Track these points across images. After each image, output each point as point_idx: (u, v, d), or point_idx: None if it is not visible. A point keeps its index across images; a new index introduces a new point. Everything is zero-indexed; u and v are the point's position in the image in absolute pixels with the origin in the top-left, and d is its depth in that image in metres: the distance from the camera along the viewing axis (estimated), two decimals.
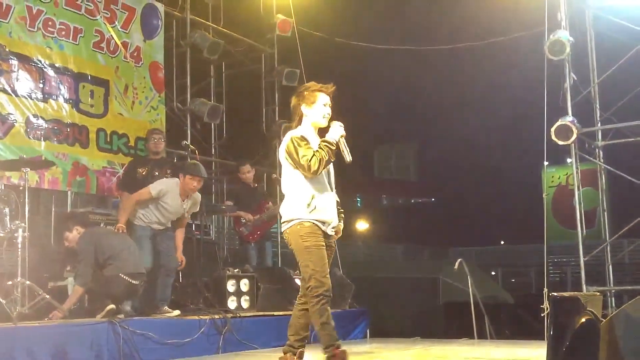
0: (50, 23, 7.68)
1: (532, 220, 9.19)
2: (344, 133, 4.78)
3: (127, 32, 8.58)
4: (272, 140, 10.84)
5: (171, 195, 6.80)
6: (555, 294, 3.85)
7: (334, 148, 4.69)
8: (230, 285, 7.33)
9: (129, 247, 6.30)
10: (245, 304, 7.42)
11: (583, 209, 9.20)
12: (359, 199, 29.21)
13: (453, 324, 8.76)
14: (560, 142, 8.57)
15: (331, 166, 4.86)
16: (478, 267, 10.98)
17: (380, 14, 14.67)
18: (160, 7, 9.11)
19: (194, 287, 6.98)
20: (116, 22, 8.40)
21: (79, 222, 6.46)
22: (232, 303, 7.32)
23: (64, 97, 7.75)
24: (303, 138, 4.73)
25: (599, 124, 9.14)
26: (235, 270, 7.63)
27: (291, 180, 4.78)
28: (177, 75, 9.74)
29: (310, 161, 4.60)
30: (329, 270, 4.71)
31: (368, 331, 8.57)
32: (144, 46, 8.79)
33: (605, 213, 9.42)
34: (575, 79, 8.87)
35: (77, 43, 7.96)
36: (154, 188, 6.80)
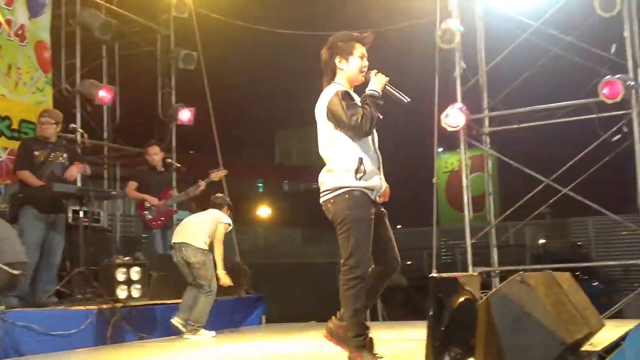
0: None
1: (427, 204, 9.44)
2: (387, 78, 4.25)
3: (10, 8, 8.15)
4: (168, 124, 10.65)
5: None
6: (434, 275, 3.97)
7: (381, 102, 4.21)
8: (120, 274, 7.12)
9: (9, 236, 6.01)
10: (136, 293, 7.21)
11: (473, 193, 9.55)
12: (260, 184, 29.13)
13: None
14: (450, 129, 8.85)
15: None
16: None
17: None
18: None
19: (81, 276, 6.73)
20: None
21: None
22: (122, 292, 7.10)
23: None
24: (347, 94, 4.20)
25: (487, 111, 9.48)
26: (126, 259, 7.41)
27: (333, 143, 4.20)
28: (66, 55, 9.36)
29: (361, 121, 4.07)
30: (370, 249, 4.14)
31: (264, 317, 8.57)
32: (30, 24, 8.38)
33: (492, 197, 9.81)
34: (465, 67, 9.15)
35: None
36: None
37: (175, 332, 6.83)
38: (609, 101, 8.10)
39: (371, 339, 4.22)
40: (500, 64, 9.34)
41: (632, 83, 8.14)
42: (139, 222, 8.99)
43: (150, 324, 6.92)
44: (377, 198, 4.29)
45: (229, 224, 7.13)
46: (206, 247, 6.88)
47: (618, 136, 8.36)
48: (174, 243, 7.00)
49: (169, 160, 9.26)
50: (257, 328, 8.07)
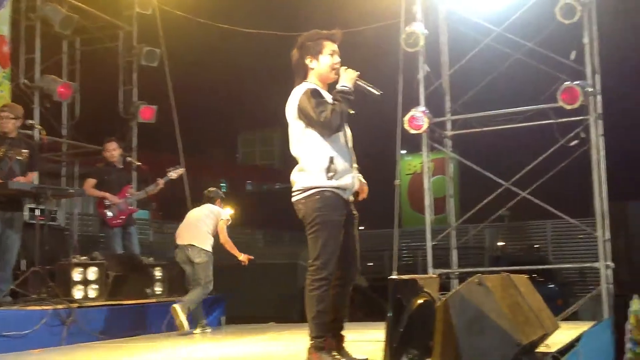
0: None
1: (390, 206, 9.50)
2: (357, 73, 4.22)
3: None
4: (129, 122, 10.52)
5: None
6: (394, 277, 3.98)
7: (352, 97, 4.16)
8: (77, 274, 7.01)
9: None
10: (92, 293, 7.11)
11: (435, 196, 9.63)
12: (223, 185, 28.96)
13: None
14: (412, 131, 8.91)
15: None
16: None
17: None
18: None
19: (36, 275, 6.60)
20: None
21: None
22: (78, 292, 6.99)
23: None
24: (317, 91, 4.17)
25: (449, 115, 9.57)
26: (83, 258, 7.30)
27: (304, 142, 4.17)
28: (26, 50, 9.19)
29: (330, 117, 4.05)
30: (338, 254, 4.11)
31: (224, 318, 8.52)
32: None
33: (452, 199, 9.89)
34: (429, 70, 9.22)
35: None
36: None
37: (134, 333, 6.88)
38: (568, 107, 8.22)
39: (332, 342, 4.21)
40: (463, 68, 9.42)
41: (591, 89, 8.28)
42: (97, 221, 8.85)
43: (107, 324, 6.83)
44: (351, 197, 4.27)
45: (228, 219, 7.66)
46: (210, 249, 7.44)
47: (576, 141, 8.49)
48: (180, 245, 7.45)
49: (129, 158, 9.16)
50: (217, 329, 8.01)
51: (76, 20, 9.33)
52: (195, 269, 7.33)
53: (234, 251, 7.63)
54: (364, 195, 4.40)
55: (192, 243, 7.34)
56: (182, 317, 6.91)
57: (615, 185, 8.77)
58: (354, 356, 4.30)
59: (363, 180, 4.40)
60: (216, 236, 7.60)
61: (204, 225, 7.46)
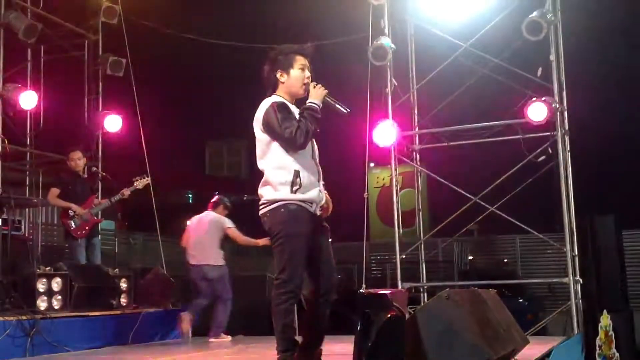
0: None
1: (359, 219, 9.49)
2: (326, 91, 4.24)
3: None
4: (94, 132, 10.36)
5: None
6: (362, 290, 3.96)
7: (318, 116, 4.16)
8: (41, 285, 6.87)
9: None
10: (57, 304, 6.99)
11: (404, 209, 9.66)
12: (190, 195, 28.71)
13: None
14: (381, 145, 8.93)
15: None
16: None
17: (215, 8, 14.48)
18: None
19: None
20: None
21: None
22: (42, 303, 6.87)
23: None
24: (284, 106, 4.15)
25: (417, 129, 9.61)
26: (47, 269, 7.16)
27: (269, 155, 4.17)
28: None
29: (295, 133, 4.03)
30: (302, 267, 4.12)
31: (190, 330, 8.40)
32: None
33: (421, 213, 9.92)
34: (396, 84, 9.26)
35: None
36: None
37: (99, 344, 6.87)
38: (535, 122, 8.32)
39: (320, 351, 4.28)
40: (431, 82, 9.48)
41: (557, 106, 8.38)
42: (62, 231, 8.68)
43: (72, 336, 6.71)
44: (318, 211, 4.25)
45: (233, 226, 8.16)
46: (223, 261, 8.02)
47: (543, 157, 8.59)
48: (193, 265, 7.97)
49: (94, 168, 9.03)
50: (183, 341, 7.90)
51: (40, 28, 9.17)
52: (214, 284, 7.87)
53: (253, 242, 8.02)
54: (327, 213, 4.38)
55: (208, 263, 7.91)
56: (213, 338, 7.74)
57: (582, 200, 8.87)
58: None
59: (328, 198, 4.38)
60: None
61: (214, 242, 8.02)
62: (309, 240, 4.16)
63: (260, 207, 4.23)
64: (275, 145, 4.15)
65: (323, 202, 4.30)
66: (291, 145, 4.11)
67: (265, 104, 4.21)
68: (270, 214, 4.15)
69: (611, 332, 8.00)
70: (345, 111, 4.27)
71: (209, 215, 8.21)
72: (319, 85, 4.26)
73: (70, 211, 8.07)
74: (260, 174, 4.28)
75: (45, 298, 6.93)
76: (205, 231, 8.03)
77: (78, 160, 8.30)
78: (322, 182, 4.32)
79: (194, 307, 7.99)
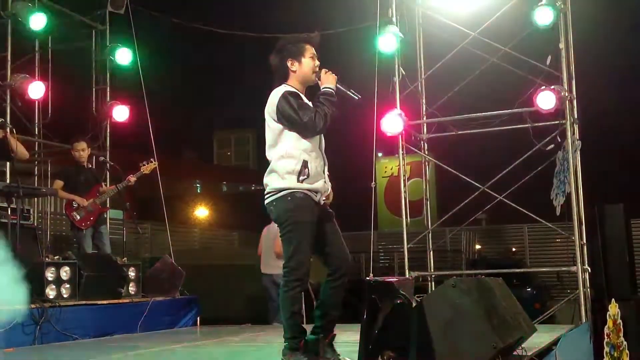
0: None
1: (366, 208, 9.49)
2: (336, 77, 4.27)
3: None
4: (102, 122, 10.38)
5: None
6: (369, 279, 3.96)
7: (335, 99, 4.19)
8: (50, 274, 6.91)
9: None
10: (65, 292, 7.02)
11: (412, 198, 9.64)
12: (198, 185, 28.79)
13: None
14: (389, 134, 8.90)
15: None
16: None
17: None
18: None
19: None
20: None
21: None
22: (51, 292, 6.90)
23: None
24: (295, 94, 4.18)
25: (424, 118, 9.58)
26: (56, 258, 7.20)
27: (279, 145, 4.18)
28: None
29: (314, 118, 4.07)
30: (309, 253, 4.15)
31: (199, 319, 8.45)
32: None
33: (429, 202, 9.90)
34: (404, 73, 9.22)
35: None
36: None
37: (108, 333, 6.87)
38: (544, 111, 8.27)
39: (334, 335, 4.29)
40: (439, 71, 9.43)
41: (567, 94, 8.32)
42: (69, 221, 8.73)
43: (81, 324, 6.73)
44: (322, 200, 4.27)
45: None
46: None
47: (552, 145, 8.54)
48: (265, 274, 8.84)
49: (102, 158, 9.05)
50: (191, 330, 7.95)
51: (48, 18, 9.18)
52: None
53: None
54: (327, 202, 4.40)
55: (276, 272, 8.18)
56: None
57: (591, 189, 8.83)
58: (341, 357, 4.29)
59: (330, 189, 4.41)
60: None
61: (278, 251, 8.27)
62: (316, 228, 4.18)
63: (266, 197, 4.24)
64: (288, 134, 4.16)
65: (328, 192, 4.34)
66: (310, 131, 4.13)
67: (277, 93, 4.21)
68: (276, 203, 4.17)
69: (619, 321, 7.99)
70: (356, 97, 4.29)
71: (274, 225, 8.19)
72: (330, 72, 4.28)
73: (73, 203, 8.11)
74: (268, 164, 4.29)
75: (54, 287, 6.94)
76: (272, 241, 8.65)
77: (82, 151, 8.33)
78: (327, 173, 4.35)
79: (272, 312, 8.55)
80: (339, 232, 4.34)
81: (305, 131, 4.14)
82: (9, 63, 8.99)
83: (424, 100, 9.60)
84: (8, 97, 8.82)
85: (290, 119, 4.13)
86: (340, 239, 4.33)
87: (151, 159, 8.52)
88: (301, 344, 4.15)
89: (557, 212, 8.46)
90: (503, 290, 4.67)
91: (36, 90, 8.95)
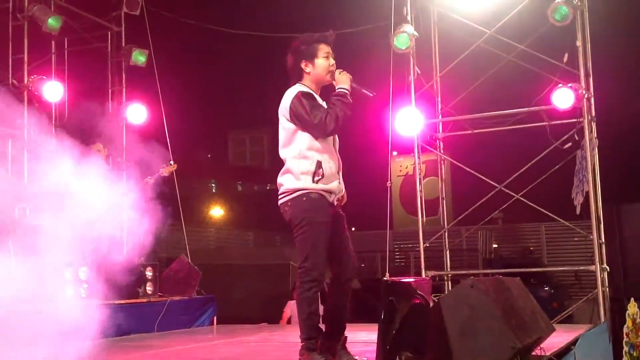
0: None
1: (382, 207, 9.48)
2: (350, 76, 4.25)
3: None
4: (118, 123, 10.43)
5: None
6: (387, 278, 3.94)
7: (348, 100, 4.16)
8: (69, 274, 6.93)
9: None
10: (83, 292, 7.04)
11: (427, 197, 9.61)
12: (213, 185, 28.89)
13: None
14: (404, 134, 8.87)
15: None
16: None
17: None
18: None
19: None
20: None
21: None
22: (69, 292, 6.92)
23: None
24: (309, 95, 4.17)
25: (440, 117, 9.54)
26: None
27: (293, 144, 4.16)
28: (13, 50, 9.09)
29: (325, 119, 4.06)
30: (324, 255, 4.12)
31: (215, 318, 8.48)
32: None
33: (445, 201, 9.85)
34: (420, 72, 9.18)
35: None
36: None
37: (125, 332, 6.88)
38: (561, 109, 8.21)
39: (345, 337, 4.29)
40: (454, 70, 9.38)
41: (584, 92, 8.25)
42: None
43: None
44: (335, 201, 4.26)
45: None
46: None
47: (569, 144, 8.47)
48: None
49: (118, 159, 9.09)
50: (208, 329, 7.96)
51: (63, 20, 9.23)
52: None
53: None
54: (341, 204, 4.37)
55: None
56: None
57: (609, 188, 8.75)
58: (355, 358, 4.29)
59: (344, 190, 4.38)
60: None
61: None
62: (330, 229, 4.18)
63: (280, 197, 4.23)
64: (301, 134, 4.16)
65: (342, 192, 4.32)
66: (321, 132, 4.12)
67: (290, 93, 4.21)
68: (291, 203, 4.15)
69: (639, 320, 7.91)
70: (371, 95, 4.29)
71: None
72: (344, 72, 4.27)
73: None
74: (282, 164, 4.29)
75: (72, 287, 6.98)
76: None
77: (98, 152, 8.37)
78: (341, 174, 4.33)
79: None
80: (347, 237, 4.33)
81: (316, 132, 4.13)
82: (26, 65, 9.06)
83: (439, 99, 9.55)
84: (25, 98, 8.87)
85: (301, 119, 4.13)
86: (348, 244, 4.32)
87: (170, 162, 8.56)
88: (318, 344, 4.15)
89: (577, 211, 8.38)
90: (520, 289, 4.64)
91: (53, 91, 9.00)
